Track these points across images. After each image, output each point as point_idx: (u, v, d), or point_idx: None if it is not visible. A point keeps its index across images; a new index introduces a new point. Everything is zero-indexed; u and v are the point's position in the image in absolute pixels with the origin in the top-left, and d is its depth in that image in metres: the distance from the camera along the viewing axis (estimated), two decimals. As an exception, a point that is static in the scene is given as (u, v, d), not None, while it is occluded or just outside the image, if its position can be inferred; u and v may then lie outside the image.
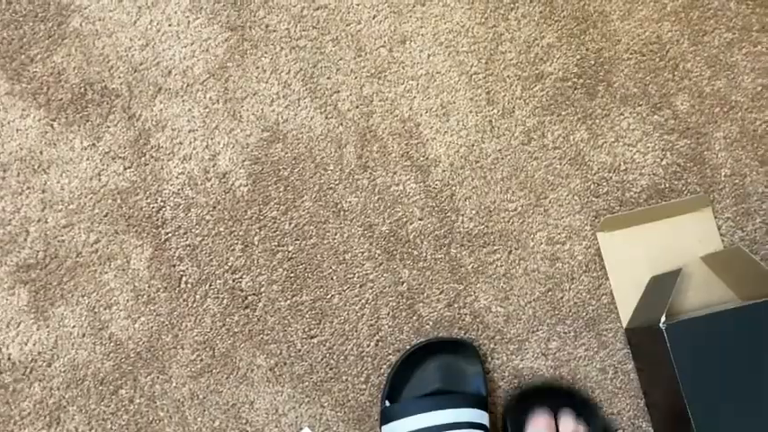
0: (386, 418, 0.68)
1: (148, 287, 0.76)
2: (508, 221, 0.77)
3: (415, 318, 0.75)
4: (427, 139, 0.78)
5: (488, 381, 0.71)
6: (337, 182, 0.77)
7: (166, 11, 0.80)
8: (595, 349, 0.74)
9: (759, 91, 0.79)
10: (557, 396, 0.70)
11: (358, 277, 0.76)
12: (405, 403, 0.67)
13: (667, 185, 0.77)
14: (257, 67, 0.79)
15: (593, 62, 0.79)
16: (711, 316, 0.65)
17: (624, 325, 0.74)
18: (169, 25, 0.80)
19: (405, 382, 0.69)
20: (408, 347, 0.72)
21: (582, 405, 0.70)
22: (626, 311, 0.74)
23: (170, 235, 0.76)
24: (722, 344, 0.64)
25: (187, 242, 0.76)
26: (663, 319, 0.64)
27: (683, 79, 0.79)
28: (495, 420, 0.73)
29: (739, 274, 0.72)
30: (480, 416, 0.67)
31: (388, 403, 0.68)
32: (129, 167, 0.78)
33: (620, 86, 0.79)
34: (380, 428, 0.69)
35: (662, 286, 0.71)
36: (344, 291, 0.75)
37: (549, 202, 0.77)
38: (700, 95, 0.79)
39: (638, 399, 0.73)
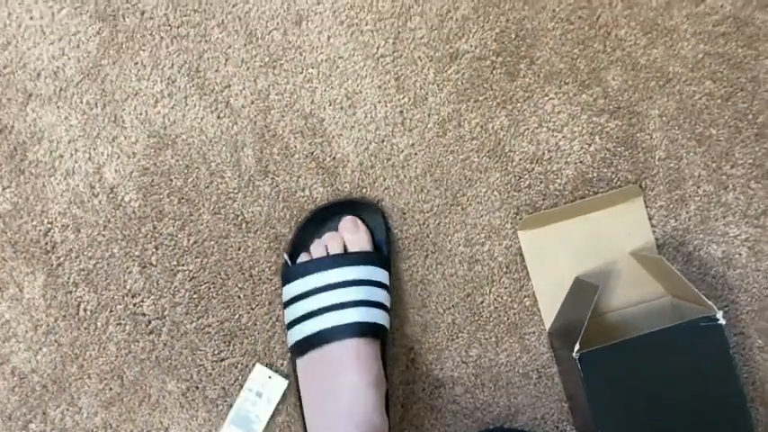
0: (287, 277, 0.67)
1: (46, 316, 0.71)
2: (423, 224, 0.71)
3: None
4: (333, 136, 0.71)
5: (391, 242, 0.69)
6: (236, 190, 0.71)
7: (25, 1, 0.70)
8: (518, 354, 0.71)
9: (700, 59, 0.71)
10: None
11: (266, 294, 0.71)
12: (306, 263, 0.66)
13: (595, 174, 0.71)
14: (136, 63, 0.70)
15: (513, 36, 0.70)
16: (626, 342, 0.61)
17: (547, 328, 0.71)
18: (30, 18, 0.70)
19: (307, 242, 0.69)
20: (313, 207, 0.69)
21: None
22: (549, 313, 0.71)
23: (62, 259, 0.71)
24: (637, 370, 0.61)
25: (81, 266, 0.71)
26: (576, 347, 0.61)
27: (616, 50, 0.70)
28: None
29: (666, 277, 0.67)
30: (381, 275, 0.66)
31: (289, 263, 0.67)
32: (8, 187, 0.71)
33: (545, 63, 0.70)
34: (282, 288, 0.68)
35: (583, 296, 0.67)
36: (253, 309, 0.71)
37: (467, 200, 0.71)
38: (633, 68, 0.70)
39: (562, 402, 0.71)
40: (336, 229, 0.68)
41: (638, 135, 0.71)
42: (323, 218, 0.69)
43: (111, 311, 0.71)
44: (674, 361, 0.60)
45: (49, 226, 0.71)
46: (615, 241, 0.70)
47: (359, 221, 0.68)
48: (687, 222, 0.71)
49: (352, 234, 0.67)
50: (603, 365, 0.61)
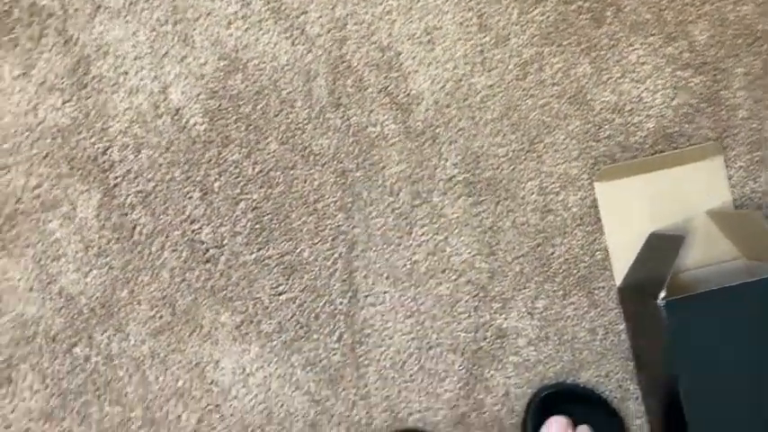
0: None
1: (99, 238, 0.68)
2: (497, 168, 0.69)
3: (391, 276, 0.69)
4: (409, 72, 0.69)
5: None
6: (306, 121, 0.69)
7: None
8: (585, 309, 0.69)
9: (790, 19, 0.69)
10: (583, 404, 0.66)
11: (330, 229, 0.69)
12: None
13: (676, 129, 0.69)
14: (212, -18, 0.68)
15: (602, -19, 0.68)
16: (716, 292, 0.59)
17: (618, 284, 0.69)
18: (105, -73, 0.67)
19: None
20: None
21: (607, 425, 0.65)
22: (621, 269, 0.69)
23: (119, 180, 0.68)
24: (727, 322, 0.59)
25: (139, 188, 0.68)
26: (662, 294, 0.59)
27: (705, 3, 0.69)
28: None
29: (749, 235, 0.65)
30: None
31: None
32: (69, 101, 0.68)
33: (632, 11, 0.68)
34: None
35: (662, 249, 0.65)
36: (315, 244, 0.69)
37: (544, 147, 0.69)
38: (722, 24, 0.69)
39: (628, 361, 0.69)
40: None
41: (721, 92, 0.69)
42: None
43: (167, 237, 0.68)
44: (766, 316, 0.58)
45: (108, 144, 0.68)
46: (692, 199, 0.68)
47: None
48: (767, 185, 0.69)
49: None
50: (688, 315, 0.59)
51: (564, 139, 0.69)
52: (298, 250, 0.69)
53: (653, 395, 0.66)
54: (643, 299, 0.63)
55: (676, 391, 0.59)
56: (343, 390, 0.69)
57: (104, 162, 0.68)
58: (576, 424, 0.64)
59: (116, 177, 0.68)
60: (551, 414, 0.63)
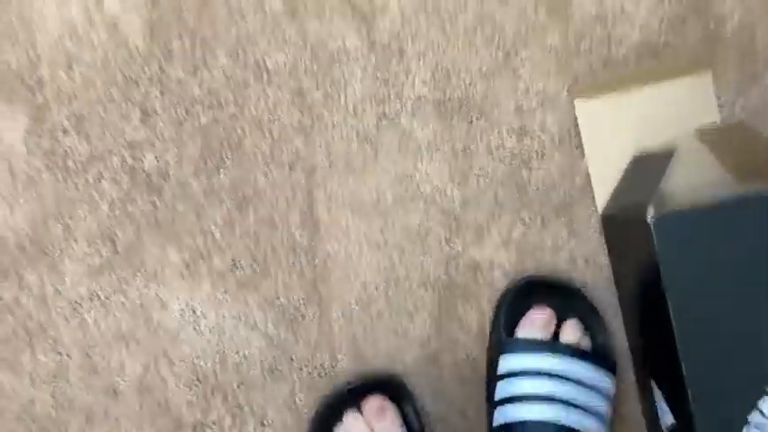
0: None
1: (27, 167, 0.61)
2: (470, 85, 0.63)
3: (356, 204, 0.63)
4: (372, -21, 0.62)
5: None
6: (259, 33, 0.62)
7: None
8: (565, 238, 0.64)
9: None
10: (563, 298, 0.61)
11: (287, 155, 0.62)
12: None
13: (662, 40, 0.64)
14: None
15: None
16: (708, 208, 0.54)
17: (600, 211, 0.64)
18: None
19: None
20: (335, 385, 0.61)
21: (589, 316, 0.61)
22: (603, 195, 0.64)
23: (50, 100, 0.61)
24: (719, 239, 0.54)
25: (72, 110, 0.61)
26: (651, 211, 0.54)
27: None
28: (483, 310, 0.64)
29: (740, 151, 0.61)
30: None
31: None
32: (-11, 12, 0.60)
33: None
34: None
35: (648, 170, 0.60)
36: (271, 171, 0.62)
37: (521, 62, 0.63)
38: (711, -74, 0.63)
39: (611, 294, 0.64)
40: (359, 410, 0.58)
41: (710, 0, 0.64)
42: (341, 401, 0.59)
43: (105, 165, 0.61)
44: (759, 234, 0.54)
45: (35, 60, 0.61)
46: (679, 116, 0.63)
47: (387, 404, 0.58)
48: (756, 102, 0.64)
49: (379, 421, 0.57)
50: (679, 232, 0.54)
51: (542, 53, 0.63)
52: (251, 178, 0.62)
53: (637, 326, 0.62)
54: (628, 222, 0.58)
55: (664, 316, 0.55)
56: (305, 331, 0.63)
57: (31, 80, 0.61)
58: (559, 318, 0.59)
59: (45, 98, 0.61)
60: (529, 306, 0.59)
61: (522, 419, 0.56)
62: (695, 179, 0.62)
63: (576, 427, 0.56)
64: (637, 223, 0.55)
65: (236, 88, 0.62)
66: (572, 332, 0.59)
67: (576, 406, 0.56)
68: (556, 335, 0.59)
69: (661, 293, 0.54)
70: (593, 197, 0.64)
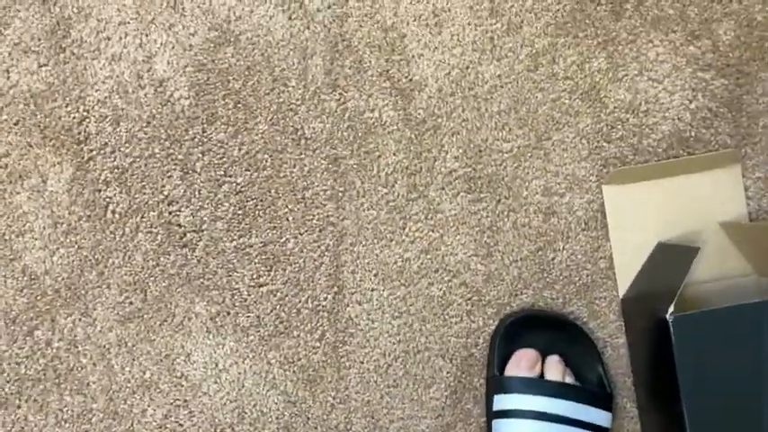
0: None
1: (69, 214, 0.64)
2: (500, 165, 0.64)
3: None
4: (413, 56, 0.64)
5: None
6: (299, 102, 0.64)
7: None
8: (585, 319, 0.65)
9: (821, 24, 0.65)
10: (556, 332, 0.62)
11: (318, 219, 0.64)
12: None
13: (693, 134, 0.65)
14: (206, -54, 0.63)
15: (624, -29, 0.64)
16: (727, 309, 0.55)
17: (621, 294, 0.64)
18: None
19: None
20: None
21: (580, 352, 0.62)
22: (625, 279, 0.64)
23: (94, 153, 0.63)
24: (736, 341, 0.55)
25: (115, 163, 0.64)
26: (671, 309, 0.54)
27: (732, 2, 0.64)
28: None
29: (764, 249, 0.61)
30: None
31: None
32: (45, 65, 0.63)
33: (654, 5, 0.64)
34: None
35: (672, 261, 0.61)
36: (301, 234, 0.64)
37: (552, 145, 0.64)
38: (749, 24, 0.64)
39: (626, 377, 0.65)
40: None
41: (743, 97, 0.65)
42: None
43: (142, 217, 0.64)
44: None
45: (85, 114, 0.63)
46: (705, 208, 0.64)
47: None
48: (784, 199, 0.65)
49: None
50: (697, 332, 0.55)
51: (573, 138, 0.64)
52: (282, 240, 0.64)
53: (651, 413, 0.62)
54: (648, 312, 0.59)
55: (678, 411, 0.55)
56: (322, 392, 0.64)
57: (79, 133, 0.63)
58: (545, 353, 0.60)
59: (91, 150, 0.64)
60: (519, 345, 0.60)
61: None
62: (719, 271, 0.63)
63: None
64: (657, 317, 0.56)
65: (274, 153, 0.64)
66: (554, 368, 0.60)
67: None
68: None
69: (676, 391, 0.55)
70: (616, 281, 0.65)
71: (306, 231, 0.64)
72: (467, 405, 0.65)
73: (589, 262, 0.65)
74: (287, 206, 0.64)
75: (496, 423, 0.60)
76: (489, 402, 0.61)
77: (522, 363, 0.59)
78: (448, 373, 0.65)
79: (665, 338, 0.55)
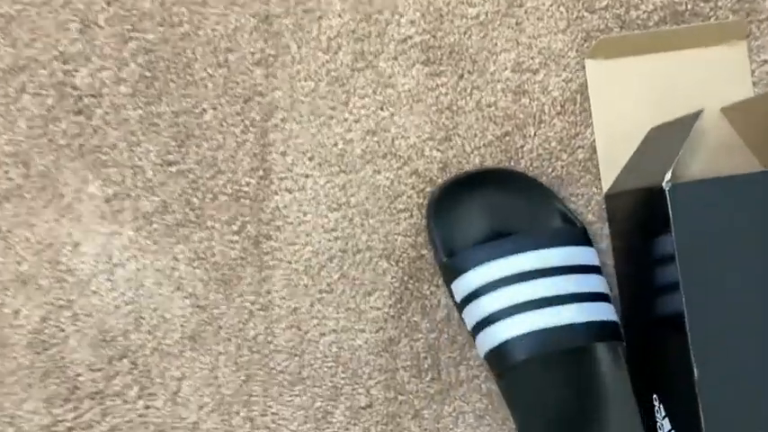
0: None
1: (-60, 69, 0.53)
2: (464, 33, 0.54)
3: (316, 151, 0.54)
4: None
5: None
6: (227, -52, 0.54)
7: None
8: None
9: None
10: (496, 189, 0.51)
11: (243, 88, 0.53)
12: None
13: (689, 7, 0.55)
14: None
15: None
16: (728, 179, 0.46)
17: (605, 190, 0.54)
18: None
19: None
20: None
21: (532, 198, 0.51)
22: (610, 172, 0.54)
23: (-23, -3, 0.53)
24: (737, 213, 0.45)
25: (1, 11, 0.53)
26: (668, 176, 0.44)
27: None
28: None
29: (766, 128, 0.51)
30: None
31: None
32: None
33: None
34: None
35: (669, 137, 0.51)
36: (221, 105, 0.53)
37: (525, 13, 0.54)
38: None
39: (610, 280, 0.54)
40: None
41: (749, -33, 0.55)
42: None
43: (30, 76, 0.53)
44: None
45: (-32, -50, 0.53)
46: (705, 91, 0.54)
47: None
48: (796, 85, 0.55)
49: None
50: (696, 203, 0.44)
51: (550, 5, 0.55)
52: (198, 110, 0.53)
53: (638, 328, 0.51)
54: (639, 197, 0.49)
55: (673, 310, 0.45)
56: (239, 296, 0.53)
57: (-40, -27, 0.53)
58: (492, 215, 0.50)
59: (-27, -6, 0.53)
60: (457, 216, 0.50)
61: (504, 340, 0.47)
62: (719, 164, 0.52)
63: (579, 320, 0.46)
64: (650, 194, 0.46)
65: (192, 5, 0.53)
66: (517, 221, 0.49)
67: (564, 298, 0.47)
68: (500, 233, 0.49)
69: (672, 289, 0.44)
70: (598, 175, 0.54)
71: (227, 102, 0.53)
72: (413, 317, 0.53)
73: (565, 151, 0.54)
74: (205, 70, 0.53)
75: (467, 313, 0.49)
76: (451, 296, 0.50)
77: (466, 232, 0.49)
78: (393, 277, 0.53)
79: (661, 219, 0.45)
